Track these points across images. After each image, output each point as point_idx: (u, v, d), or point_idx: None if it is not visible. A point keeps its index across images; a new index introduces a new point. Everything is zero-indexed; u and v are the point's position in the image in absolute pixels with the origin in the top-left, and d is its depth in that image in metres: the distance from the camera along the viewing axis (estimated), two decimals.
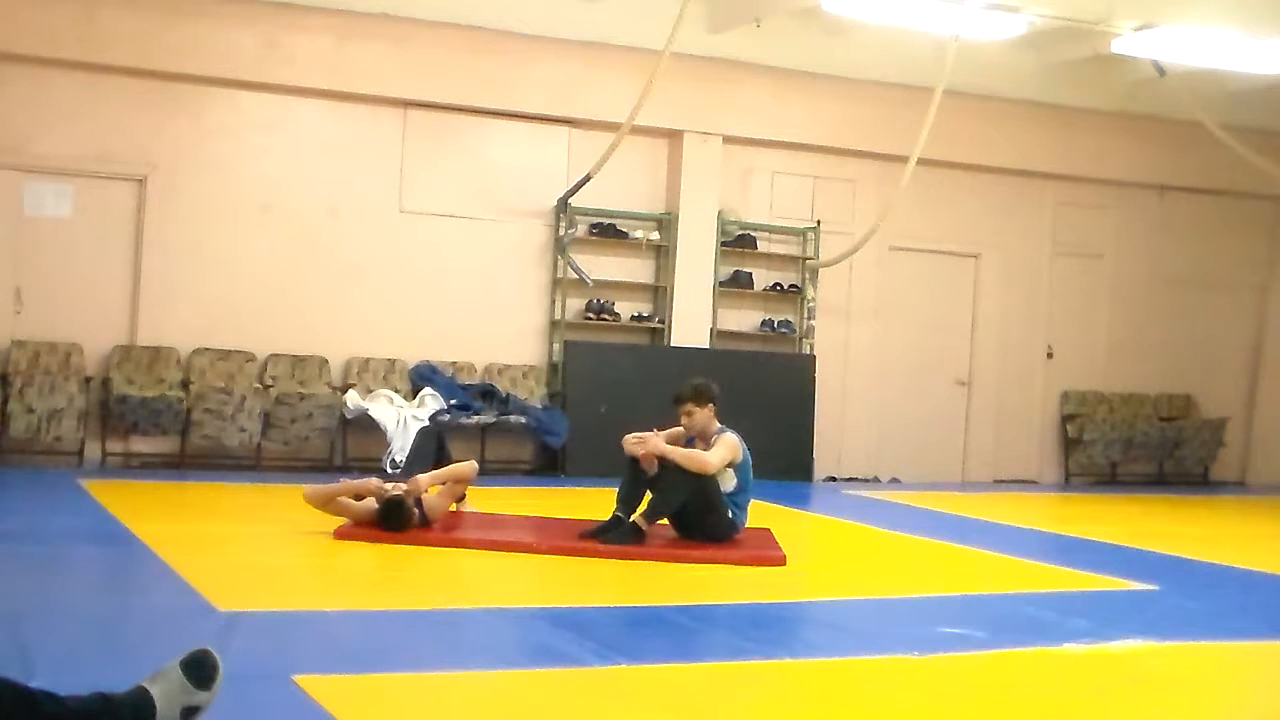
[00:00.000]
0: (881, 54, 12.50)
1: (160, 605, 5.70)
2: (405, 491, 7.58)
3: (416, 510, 7.62)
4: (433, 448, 8.53)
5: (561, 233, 12.27)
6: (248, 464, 11.20)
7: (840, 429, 13.37)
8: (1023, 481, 14.18)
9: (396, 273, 11.90)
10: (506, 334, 12.31)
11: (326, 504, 7.68)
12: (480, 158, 12.18)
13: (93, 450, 10.89)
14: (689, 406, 7.81)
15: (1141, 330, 14.74)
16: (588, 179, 11.89)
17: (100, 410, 10.88)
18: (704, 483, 7.63)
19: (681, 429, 7.92)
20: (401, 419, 11.14)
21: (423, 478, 7.76)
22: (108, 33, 10.82)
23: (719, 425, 7.89)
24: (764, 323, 13.13)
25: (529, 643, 5.46)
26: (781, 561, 7.47)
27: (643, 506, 7.66)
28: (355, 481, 7.93)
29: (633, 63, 11.56)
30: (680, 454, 7.65)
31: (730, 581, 6.87)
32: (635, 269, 12.76)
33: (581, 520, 7.96)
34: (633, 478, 7.70)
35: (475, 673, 4.77)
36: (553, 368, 12.40)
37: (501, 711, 4.39)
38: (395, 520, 7.50)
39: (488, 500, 8.73)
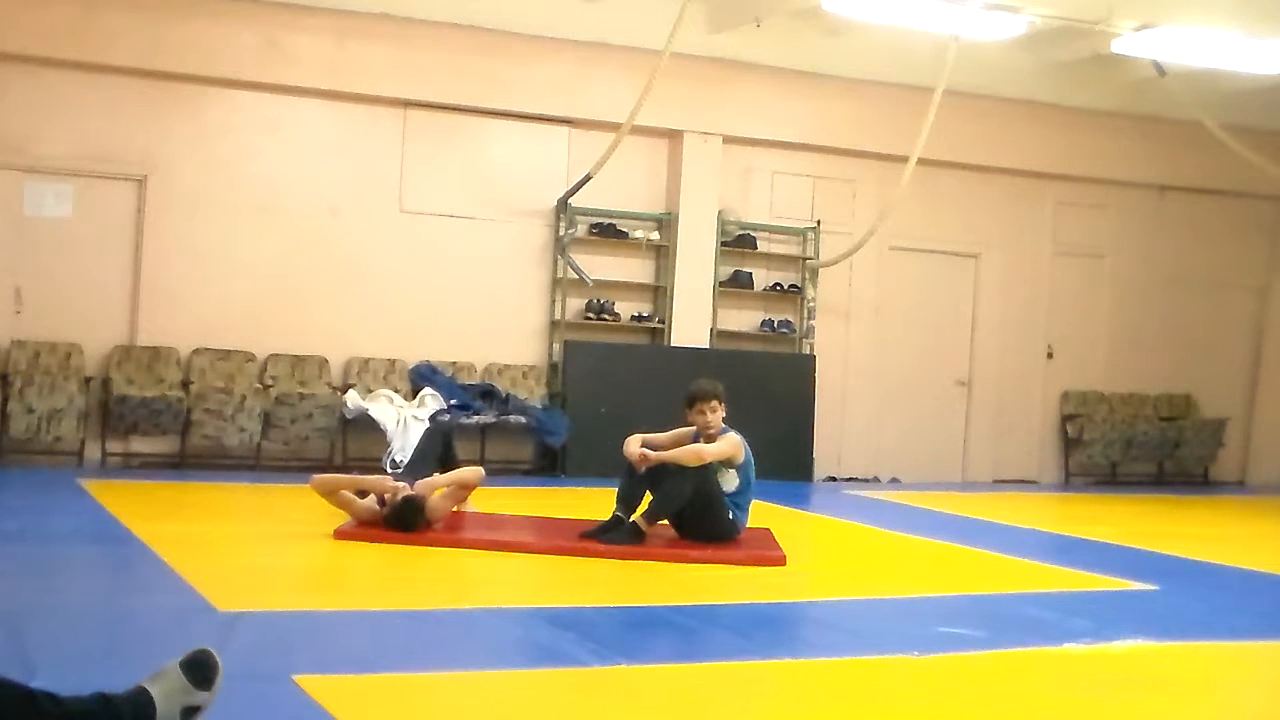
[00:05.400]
0: (881, 54, 12.50)
1: (160, 605, 5.69)
2: (416, 495, 7.59)
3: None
4: (439, 449, 8.54)
5: (561, 233, 12.27)
6: (248, 464, 11.19)
7: (840, 429, 13.38)
8: (1023, 481, 14.17)
9: (396, 273, 11.90)
10: (506, 334, 12.31)
11: (331, 494, 7.70)
12: (480, 158, 12.19)
13: (93, 450, 10.89)
14: (714, 404, 7.78)
15: (1141, 330, 14.74)
16: (588, 179, 11.89)
17: (100, 410, 10.88)
18: (705, 483, 7.63)
19: (686, 429, 7.91)
20: (401, 419, 11.14)
21: (422, 487, 7.74)
22: (108, 33, 10.83)
23: (723, 425, 7.88)
24: (764, 323, 13.13)
25: (529, 643, 5.46)
26: (781, 561, 7.46)
27: (643, 507, 7.66)
28: (365, 477, 7.93)
29: (633, 63, 11.57)
30: (676, 454, 7.64)
31: (730, 581, 6.86)
32: (635, 269, 12.76)
33: (581, 520, 7.96)
34: (632, 477, 7.70)
35: (475, 673, 4.77)
36: (553, 368, 12.40)
37: (501, 711, 4.39)
38: (407, 521, 7.50)
39: (488, 500, 8.73)
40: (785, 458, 12.20)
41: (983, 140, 13.52)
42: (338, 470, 10.81)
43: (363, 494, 7.76)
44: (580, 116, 12.32)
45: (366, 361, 11.83)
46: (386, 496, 7.67)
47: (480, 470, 8.17)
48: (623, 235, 12.61)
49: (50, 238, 10.98)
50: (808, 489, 12.37)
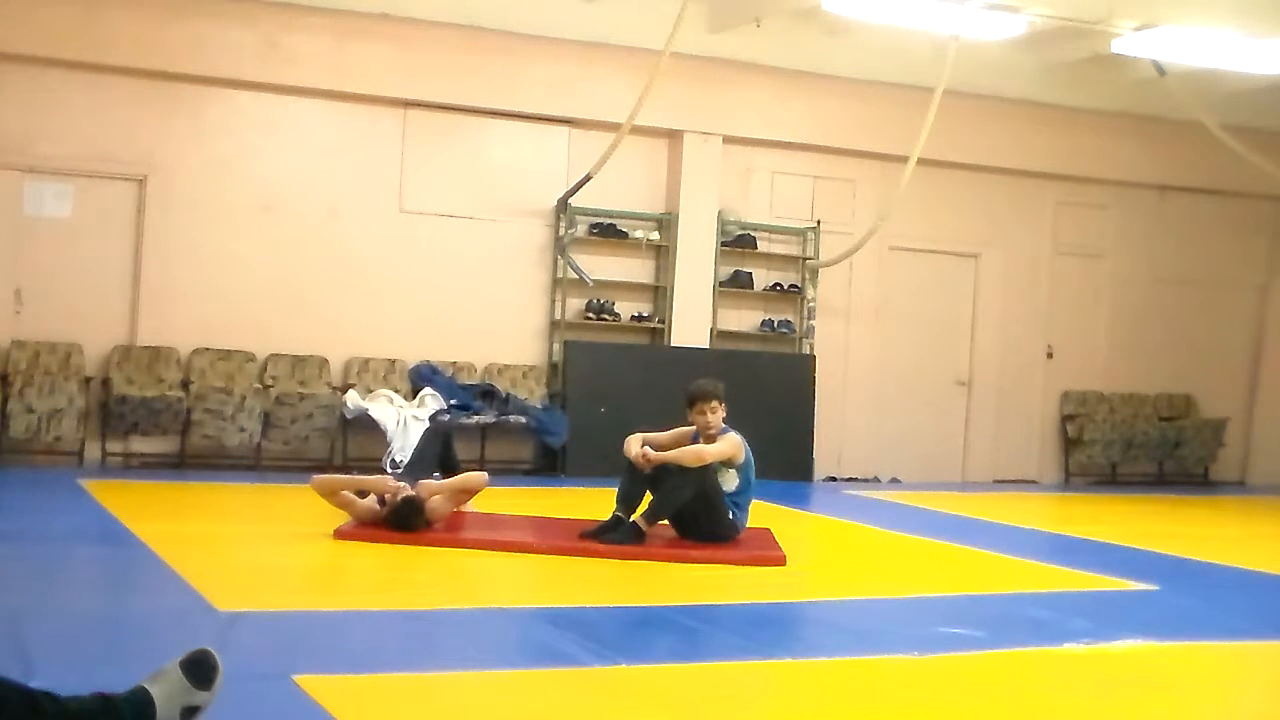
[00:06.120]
0: (881, 54, 12.50)
1: (160, 605, 5.70)
2: (416, 495, 7.60)
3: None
4: (438, 450, 8.52)
5: (561, 233, 12.27)
6: (248, 464, 11.19)
7: (840, 429, 13.37)
8: (1023, 481, 14.17)
9: (396, 273, 11.90)
10: (506, 334, 12.31)
11: (331, 494, 7.71)
12: (480, 158, 12.19)
13: (93, 450, 10.89)
14: (714, 404, 7.80)
15: (1141, 330, 14.74)
16: (588, 179, 11.89)
17: (100, 410, 10.88)
18: (705, 483, 7.63)
19: (686, 429, 7.92)
20: (401, 419, 11.14)
21: (425, 491, 7.74)
22: (108, 33, 10.83)
23: (723, 426, 7.89)
24: (764, 323, 13.13)
25: (529, 643, 5.46)
26: (781, 561, 7.47)
27: (643, 506, 7.67)
28: (366, 477, 7.93)
29: (633, 63, 11.57)
30: (677, 454, 7.65)
31: (730, 581, 6.87)
32: (635, 269, 12.76)
33: (581, 520, 7.96)
34: (633, 477, 7.70)
35: (475, 673, 4.77)
36: (553, 368, 12.40)
37: (501, 711, 4.39)
38: (407, 521, 7.50)
39: (488, 500, 8.72)
40: (785, 458, 12.21)
41: (983, 140, 13.52)
42: (338, 470, 10.81)
43: (363, 494, 7.76)
44: (580, 116, 12.32)
45: (366, 361, 11.83)
46: (387, 497, 7.68)
47: (484, 475, 8.17)
48: (623, 235, 12.61)
49: (50, 238, 10.97)
50: (808, 489, 12.37)
